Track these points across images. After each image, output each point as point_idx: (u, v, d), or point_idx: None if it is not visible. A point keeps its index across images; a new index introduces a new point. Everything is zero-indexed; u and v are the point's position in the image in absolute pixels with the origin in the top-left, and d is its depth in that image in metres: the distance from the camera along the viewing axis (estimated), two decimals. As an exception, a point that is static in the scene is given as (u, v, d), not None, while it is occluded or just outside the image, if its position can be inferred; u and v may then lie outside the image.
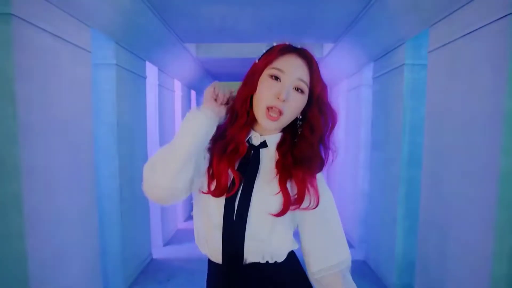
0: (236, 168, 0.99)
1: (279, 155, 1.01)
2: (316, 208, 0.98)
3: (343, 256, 1.02)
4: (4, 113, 1.84)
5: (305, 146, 1.00)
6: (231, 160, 0.98)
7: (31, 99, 1.98)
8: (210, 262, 1.06)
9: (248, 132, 1.03)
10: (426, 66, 2.74)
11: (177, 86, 5.33)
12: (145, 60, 3.79)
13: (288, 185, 0.99)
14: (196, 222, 1.06)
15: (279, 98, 0.92)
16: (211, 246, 1.01)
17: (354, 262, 1.00)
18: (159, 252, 4.39)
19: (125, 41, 3.16)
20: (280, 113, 0.94)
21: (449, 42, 2.34)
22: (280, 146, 1.03)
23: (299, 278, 1.06)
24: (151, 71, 4.12)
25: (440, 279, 2.53)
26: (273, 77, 0.94)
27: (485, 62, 2.00)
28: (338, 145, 1.05)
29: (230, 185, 0.97)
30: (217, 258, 1.01)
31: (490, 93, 1.95)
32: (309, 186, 0.98)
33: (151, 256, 4.19)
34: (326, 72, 4.79)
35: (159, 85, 4.30)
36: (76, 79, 2.48)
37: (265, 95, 0.94)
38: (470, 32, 2.11)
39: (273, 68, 0.95)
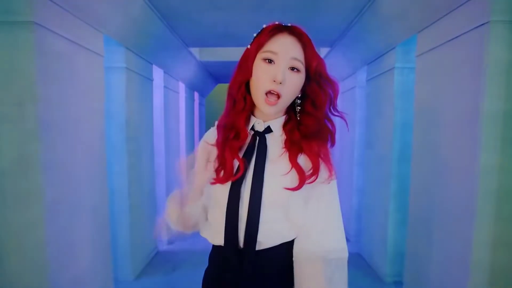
0: (242, 155, 0.97)
1: (285, 134, 0.98)
2: (325, 191, 0.95)
3: (337, 244, 0.94)
4: (27, 112, 1.95)
5: (311, 121, 0.96)
6: (233, 147, 0.96)
7: (51, 100, 2.10)
8: (218, 250, 1.03)
9: (247, 118, 1.00)
10: (415, 69, 2.85)
11: (181, 87, 5.44)
12: (152, 64, 3.91)
13: (301, 161, 0.95)
14: (212, 214, 1.04)
15: (275, 81, 0.89)
16: (232, 235, 0.97)
17: (349, 254, 0.97)
18: (164, 245, 4.51)
19: (134, 46, 3.27)
20: (278, 96, 0.91)
21: (434, 47, 2.46)
22: (285, 126, 1.00)
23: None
24: (157, 73, 4.23)
25: (427, 267, 2.64)
26: (267, 60, 0.91)
27: (466, 66, 2.12)
28: (336, 141, 1.01)
29: (236, 172, 0.95)
30: (232, 245, 0.97)
31: (471, 94, 2.07)
32: (322, 156, 0.94)
33: (157, 249, 4.31)
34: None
35: (165, 86, 4.41)
36: (90, 81, 2.59)
37: (261, 80, 0.91)
38: (453, 38, 2.22)
39: (266, 51, 0.91)
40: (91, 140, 2.63)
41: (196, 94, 6.74)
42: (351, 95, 4.63)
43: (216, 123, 1.04)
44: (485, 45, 1.92)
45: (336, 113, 0.98)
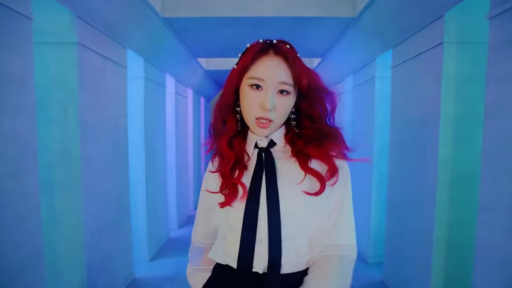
0: (252, 174, 0.88)
1: (289, 144, 0.90)
2: (341, 189, 0.88)
3: (347, 241, 0.87)
4: (70, 115, 2.27)
5: (310, 132, 0.88)
6: (238, 172, 0.89)
7: (87, 104, 2.41)
8: (227, 273, 0.89)
9: (243, 138, 0.92)
10: (391, 78, 3.17)
11: (189, 93, 5.76)
12: (165, 72, 4.23)
13: (314, 166, 0.86)
14: (227, 238, 0.90)
15: (264, 109, 0.82)
16: (248, 259, 0.84)
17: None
18: (174, 233, 4.83)
19: (151, 57, 3.60)
20: (270, 120, 0.84)
21: (405, 61, 2.78)
22: (286, 136, 0.91)
23: None
24: (169, 81, 4.56)
25: (402, 247, 2.94)
26: (254, 87, 0.82)
27: (429, 77, 2.43)
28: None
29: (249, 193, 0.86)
30: (247, 267, 0.85)
31: (432, 100, 2.38)
32: (335, 154, 0.87)
33: (168, 236, 4.62)
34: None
35: (176, 92, 4.73)
36: (116, 89, 2.91)
37: (250, 108, 0.83)
38: (419, 54, 2.54)
39: (252, 77, 0.82)
40: (116, 139, 2.94)
41: (202, 99, 7.07)
42: (340, 100, 4.94)
43: (211, 166, 0.96)
44: (440, 61, 2.24)
45: (333, 126, 0.90)
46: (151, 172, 3.79)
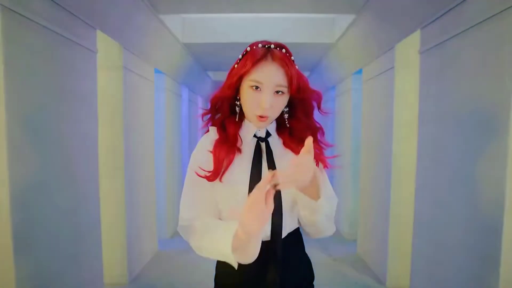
0: (253, 156, 0.95)
1: (283, 138, 0.99)
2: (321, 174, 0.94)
3: (333, 193, 0.96)
4: (117, 120, 2.82)
5: (301, 125, 0.97)
6: (232, 151, 0.94)
7: (128, 112, 2.96)
8: None
9: (237, 125, 0.98)
10: (362, 90, 3.72)
11: (200, 100, 6.32)
12: (181, 84, 4.78)
13: None
14: (231, 216, 0.94)
15: (263, 108, 0.89)
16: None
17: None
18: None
19: (171, 73, 4.14)
20: (267, 116, 0.91)
21: (371, 78, 3.32)
22: (279, 131, 1.00)
23: (303, 246, 1.04)
24: (184, 91, 5.10)
25: (369, 225, 3.48)
26: (253, 87, 0.89)
27: (387, 91, 2.97)
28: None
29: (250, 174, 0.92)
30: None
31: (389, 109, 2.93)
32: (318, 152, 0.96)
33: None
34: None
35: (190, 100, 5.29)
36: (146, 99, 3.45)
37: (251, 105, 0.91)
38: (380, 74, 3.09)
39: (252, 80, 0.89)
40: (146, 139, 3.48)
41: (209, 105, 7.61)
42: (326, 108, 5.50)
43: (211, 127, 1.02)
44: (392, 82, 2.80)
45: (323, 113, 1.01)
46: (170, 165, 4.34)
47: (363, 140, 3.70)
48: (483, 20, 1.69)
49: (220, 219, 0.97)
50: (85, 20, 2.15)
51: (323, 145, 1.00)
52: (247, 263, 0.83)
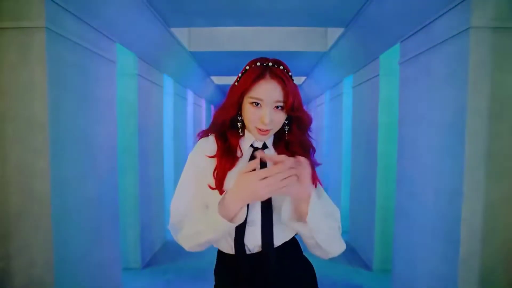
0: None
1: (278, 152, 0.99)
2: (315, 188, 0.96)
3: (338, 214, 0.97)
4: (131, 121, 3.08)
5: (295, 139, 0.98)
6: (232, 161, 0.95)
7: (141, 114, 3.21)
8: (231, 256, 0.94)
9: (239, 137, 0.98)
10: (352, 95, 3.97)
11: (203, 102, 6.57)
12: (186, 88, 5.03)
13: None
14: None
15: (263, 123, 0.90)
16: (242, 241, 0.91)
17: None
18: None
19: (178, 79, 4.40)
20: (268, 130, 0.93)
21: (359, 84, 3.58)
22: (275, 145, 1.01)
23: (299, 249, 1.02)
24: (189, 94, 5.35)
25: (357, 216, 3.74)
26: (254, 104, 0.91)
27: (373, 97, 3.23)
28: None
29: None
30: (244, 250, 0.92)
31: (374, 113, 3.18)
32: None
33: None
34: (303, 95, 6.03)
35: (194, 103, 5.54)
36: (156, 102, 3.70)
37: (252, 120, 0.92)
38: (367, 80, 3.35)
39: (252, 97, 0.90)
40: (156, 139, 3.73)
41: (212, 106, 7.89)
42: (321, 109, 5.75)
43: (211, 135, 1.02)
44: (377, 89, 3.05)
45: (309, 137, 1.02)
46: (178, 163, 4.59)
47: (353, 140, 3.95)
48: (449, 38, 1.94)
49: None
50: (107, 35, 2.40)
51: (314, 163, 1.00)
52: (236, 224, 0.85)
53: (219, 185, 0.92)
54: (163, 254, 3.69)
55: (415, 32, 2.30)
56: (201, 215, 0.94)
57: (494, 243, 1.80)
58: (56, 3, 1.79)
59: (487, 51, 1.72)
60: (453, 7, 1.87)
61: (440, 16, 2.00)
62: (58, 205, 1.87)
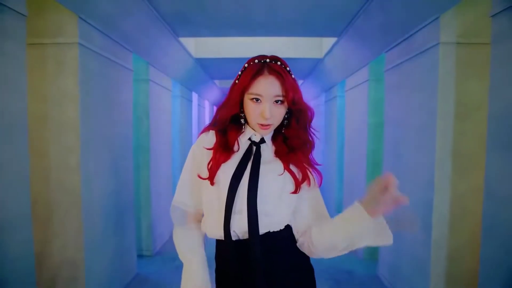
0: (239, 161, 0.95)
1: (275, 147, 0.99)
2: (315, 190, 0.98)
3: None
4: (144, 123, 3.34)
5: (295, 133, 0.97)
6: (227, 154, 0.96)
7: (153, 116, 3.47)
8: (223, 242, 0.94)
9: (239, 132, 0.99)
10: (345, 98, 4.23)
11: (206, 104, 6.83)
12: (192, 91, 5.29)
13: (293, 168, 0.97)
14: (210, 210, 0.97)
15: (264, 117, 0.90)
16: (228, 228, 0.92)
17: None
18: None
19: (184, 82, 4.66)
20: (269, 124, 0.93)
21: (352, 88, 3.84)
22: (274, 139, 1.00)
23: (294, 243, 1.00)
24: (194, 97, 5.62)
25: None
26: (254, 100, 0.91)
27: (362, 100, 3.48)
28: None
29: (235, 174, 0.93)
30: (233, 237, 0.93)
31: (363, 115, 3.44)
32: (306, 165, 0.97)
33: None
34: (300, 96, 6.27)
35: (198, 105, 5.80)
36: (165, 105, 3.95)
37: (253, 115, 0.92)
38: (357, 85, 3.61)
39: (252, 93, 0.91)
40: (165, 138, 4.00)
41: (214, 108, 8.16)
42: (318, 110, 6.01)
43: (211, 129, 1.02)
44: (367, 93, 3.31)
45: (312, 130, 1.01)
46: (184, 160, 4.83)
47: (346, 139, 4.20)
48: (424, 50, 2.21)
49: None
50: (125, 46, 2.66)
51: (312, 160, 1.00)
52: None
53: (211, 177, 0.94)
54: (172, 243, 3.92)
55: (398, 44, 2.56)
56: (188, 232, 1.05)
57: (461, 228, 2.07)
58: (87, 22, 2.06)
59: (453, 63, 1.98)
60: (427, 24, 2.13)
61: (417, 31, 2.26)
62: (86, 197, 2.14)
